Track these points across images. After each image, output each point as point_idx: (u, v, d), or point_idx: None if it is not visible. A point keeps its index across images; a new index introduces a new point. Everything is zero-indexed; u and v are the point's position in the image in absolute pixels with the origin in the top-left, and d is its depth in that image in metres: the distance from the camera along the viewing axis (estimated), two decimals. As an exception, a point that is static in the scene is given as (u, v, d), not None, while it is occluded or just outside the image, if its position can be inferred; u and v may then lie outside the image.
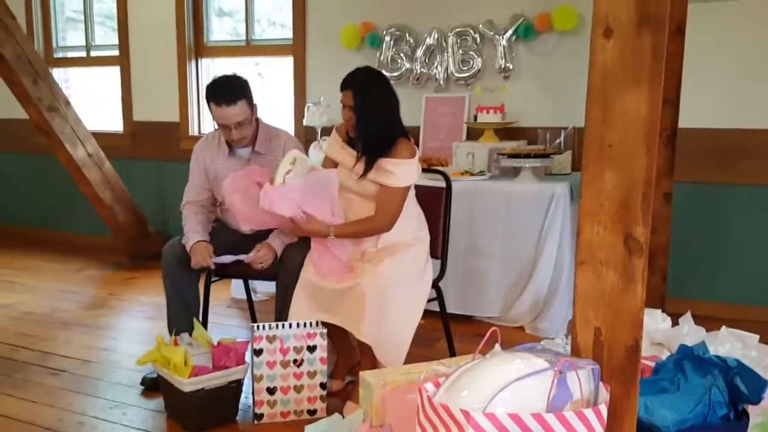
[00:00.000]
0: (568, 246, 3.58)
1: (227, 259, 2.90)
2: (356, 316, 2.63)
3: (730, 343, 2.54)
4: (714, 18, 3.68)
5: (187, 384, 2.52)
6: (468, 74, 4.27)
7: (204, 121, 5.30)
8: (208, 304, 3.18)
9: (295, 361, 2.65)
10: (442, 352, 3.08)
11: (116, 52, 5.51)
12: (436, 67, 4.35)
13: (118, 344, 3.58)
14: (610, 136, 1.48)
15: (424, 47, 4.35)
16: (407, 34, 4.39)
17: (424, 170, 3.02)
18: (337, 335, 2.87)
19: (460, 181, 3.63)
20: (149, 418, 2.74)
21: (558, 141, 3.95)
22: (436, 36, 4.31)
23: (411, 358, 2.60)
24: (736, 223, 3.81)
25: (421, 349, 2.92)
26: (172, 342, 2.70)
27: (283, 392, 2.66)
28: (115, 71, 5.55)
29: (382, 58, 4.46)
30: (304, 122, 4.49)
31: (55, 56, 5.86)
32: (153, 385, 2.91)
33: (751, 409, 2.01)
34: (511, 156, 3.72)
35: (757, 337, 2.68)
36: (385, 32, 4.44)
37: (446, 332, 3.07)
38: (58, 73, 5.77)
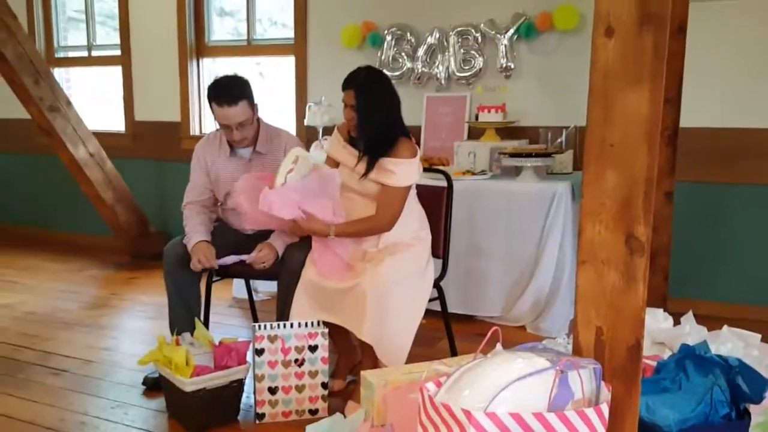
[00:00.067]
0: (569, 245, 3.57)
1: (230, 260, 2.90)
2: (357, 315, 2.63)
3: (731, 343, 2.54)
4: (715, 17, 3.67)
5: (188, 384, 2.52)
6: (469, 73, 4.26)
7: (205, 120, 5.30)
8: (210, 303, 3.18)
9: (296, 360, 2.65)
10: (443, 351, 3.08)
11: (117, 52, 5.50)
12: (438, 67, 4.34)
13: (120, 344, 3.59)
14: (611, 136, 1.48)
15: (425, 46, 4.35)
16: (408, 34, 4.39)
17: (425, 170, 3.01)
18: (338, 335, 2.87)
19: (461, 181, 3.62)
20: (151, 417, 2.75)
21: (559, 140, 3.94)
22: (437, 35, 4.31)
23: (412, 357, 2.60)
24: (738, 223, 3.80)
25: (422, 349, 2.92)
26: (174, 342, 2.70)
27: (284, 392, 2.66)
28: (116, 71, 5.55)
29: (383, 57, 4.46)
30: (306, 122, 4.49)
31: (56, 56, 5.86)
32: (154, 385, 2.92)
33: (753, 409, 2.01)
34: (513, 155, 3.72)
35: (759, 336, 2.68)
36: (386, 32, 4.44)
37: (448, 332, 3.07)
38: (59, 73, 5.77)
